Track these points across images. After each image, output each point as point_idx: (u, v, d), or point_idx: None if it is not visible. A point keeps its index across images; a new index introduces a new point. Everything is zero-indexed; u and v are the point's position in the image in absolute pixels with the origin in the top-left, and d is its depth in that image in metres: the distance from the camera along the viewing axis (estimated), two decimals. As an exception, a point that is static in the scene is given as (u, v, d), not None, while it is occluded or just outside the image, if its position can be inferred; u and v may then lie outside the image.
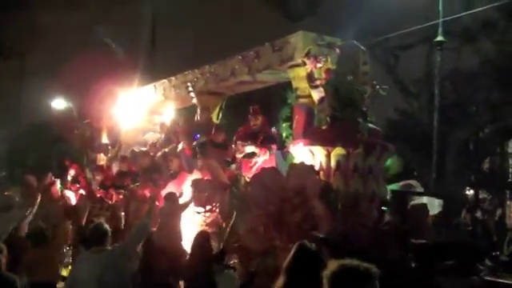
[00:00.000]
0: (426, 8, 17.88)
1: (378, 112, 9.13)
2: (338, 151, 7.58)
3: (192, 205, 8.34)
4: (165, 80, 12.00)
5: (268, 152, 8.95)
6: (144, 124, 12.69)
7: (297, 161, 7.89)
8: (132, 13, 23.99)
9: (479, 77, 21.00)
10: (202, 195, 8.31)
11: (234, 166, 9.16)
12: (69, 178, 11.74)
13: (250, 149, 8.77)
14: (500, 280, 6.68)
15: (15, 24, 25.66)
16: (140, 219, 7.65)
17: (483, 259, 7.58)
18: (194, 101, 10.92)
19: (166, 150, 10.42)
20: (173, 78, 11.73)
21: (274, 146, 9.10)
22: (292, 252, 4.46)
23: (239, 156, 8.90)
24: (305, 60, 8.25)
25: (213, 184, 8.33)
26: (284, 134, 8.94)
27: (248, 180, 8.29)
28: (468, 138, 21.96)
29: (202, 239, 6.67)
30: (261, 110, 9.30)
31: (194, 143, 9.80)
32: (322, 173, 7.57)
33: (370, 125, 8.06)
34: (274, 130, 9.73)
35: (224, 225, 8.04)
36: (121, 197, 9.82)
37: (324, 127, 7.90)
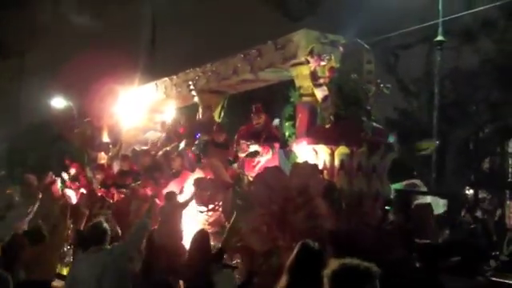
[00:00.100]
0: (426, 8, 17.91)
1: (377, 111, 9.07)
2: (342, 150, 7.53)
3: (194, 204, 8.28)
4: (166, 78, 11.93)
5: (271, 151, 8.89)
6: (145, 123, 12.61)
7: (300, 160, 7.83)
8: (132, 11, 23.94)
9: (479, 76, 21.06)
10: (204, 194, 8.25)
11: (235, 165, 9.10)
12: (66, 177, 11.68)
13: (253, 148, 8.70)
14: (506, 281, 6.62)
15: (14, 23, 25.62)
16: (141, 218, 7.69)
17: (488, 259, 7.54)
18: (196, 99, 10.86)
19: (168, 148, 10.36)
20: (174, 77, 11.66)
21: (277, 145, 9.04)
22: (295, 251, 4.43)
23: (242, 155, 8.84)
24: (308, 58, 8.21)
25: (215, 183, 8.28)
26: (287, 133, 8.86)
27: (251, 179, 8.24)
28: (468, 138, 21.99)
29: (200, 238, 6.58)
30: (263, 109, 9.23)
31: (196, 142, 9.74)
32: (325, 172, 7.52)
33: (374, 124, 8.01)
34: (276, 121, 9.64)
35: (227, 224, 7.98)
36: (122, 196, 9.76)
37: (328, 126, 7.84)
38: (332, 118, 7.78)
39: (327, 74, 8.08)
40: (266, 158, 8.80)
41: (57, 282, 9.33)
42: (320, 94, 8.13)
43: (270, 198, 7.06)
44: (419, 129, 20.50)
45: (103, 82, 13.07)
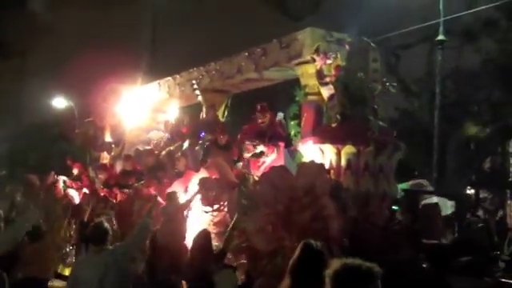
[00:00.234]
0: (427, 7, 17.86)
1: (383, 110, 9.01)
2: (349, 149, 7.47)
3: (200, 204, 8.21)
4: (169, 78, 11.86)
5: (275, 150, 8.82)
6: (148, 122, 12.54)
7: (306, 159, 7.77)
8: (134, 10, 23.88)
9: (480, 76, 20.99)
10: (209, 194, 8.18)
11: (240, 165, 9.02)
12: (66, 178, 11.62)
13: (259, 148, 8.64)
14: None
15: (15, 23, 25.54)
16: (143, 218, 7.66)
17: (496, 260, 7.48)
18: (199, 99, 10.78)
19: (171, 148, 10.29)
20: (177, 76, 11.58)
21: (282, 144, 8.97)
22: (297, 252, 4.40)
23: (247, 155, 8.77)
24: (314, 56, 8.14)
25: (221, 183, 8.20)
26: (292, 132, 8.80)
27: (256, 179, 8.17)
28: (469, 137, 21.94)
29: (202, 238, 6.54)
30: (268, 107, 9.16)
31: (200, 142, 9.68)
32: (332, 171, 7.46)
33: (381, 123, 7.95)
34: (280, 115, 9.57)
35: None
36: (125, 196, 9.69)
37: (334, 125, 7.78)
38: (338, 116, 7.72)
39: (333, 72, 8.01)
40: (271, 158, 8.72)
41: (58, 283, 9.31)
42: (326, 92, 8.06)
43: (276, 198, 6.98)
44: (420, 129, 20.46)
45: (106, 82, 12.99)
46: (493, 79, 20.66)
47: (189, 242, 7.35)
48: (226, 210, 8.14)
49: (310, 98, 8.57)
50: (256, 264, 6.85)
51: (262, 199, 7.08)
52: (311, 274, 4.11)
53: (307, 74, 8.54)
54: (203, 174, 8.55)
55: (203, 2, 23.64)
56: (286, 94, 14.89)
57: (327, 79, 8.06)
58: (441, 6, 15.42)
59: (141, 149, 11.28)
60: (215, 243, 7.21)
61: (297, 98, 8.71)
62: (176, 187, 8.77)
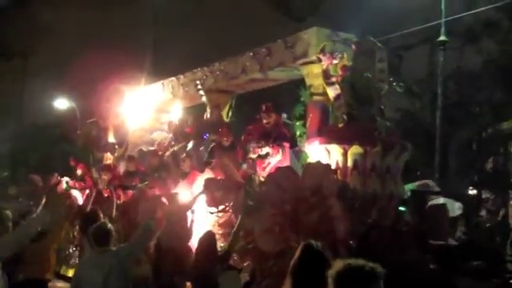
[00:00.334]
0: (428, 8, 17.85)
1: (389, 110, 8.96)
2: (355, 150, 7.42)
3: (205, 205, 8.16)
4: (173, 78, 11.79)
5: (280, 151, 8.75)
6: (151, 123, 12.48)
7: (312, 160, 7.71)
8: (137, 10, 23.83)
9: (482, 77, 20.98)
10: (214, 195, 8.12)
11: (245, 166, 8.96)
12: (68, 179, 11.57)
13: (264, 150, 8.59)
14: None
15: (17, 24, 25.49)
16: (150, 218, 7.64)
17: (504, 262, 7.44)
18: (204, 99, 10.72)
19: (175, 148, 10.23)
20: (181, 76, 11.51)
21: (287, 144, 8.90)
22: (298, 252, 4.35)
23: (253, 156, 8.70)
24: (320, 56, 8.08)
25: (226, 183, 8.14)
26: (297, 133, 8.75)
27: (262, 179, 8.12)
28: (471, 138, 21.92)
29: (207, 240, 6.51)
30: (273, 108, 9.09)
31: (204, 143, 9.62)
32: (338, 172, 7.41)
33: (387, 123, 7.91)
34: (284, 116, 9.52)
35: (237, 225, 7.86)
36: (129, 196, 9.64)
37: (340, 125, 7.74)
38: (345, 117, 7.68)
39: (340, 72, 7.95)
40: (276, 159, 8.66)
41: (61, 284, 9.27)
42: (332, 92, 8.00)
43: (283, 199, 6.94)
44: (422, 129, 20.43)
45: (108, 82, 12.92)
46: (494, 80, 20.64)
47: (194, 243, 7.34)
48: (231, 210, 8.07)
49: (316, 98, 8.48)
50: (262, 265, 6.80)
51: (268, 200, 7.03)
52: (312, 275, 4.07)
53: (312, 73, 8.47)
54: (208, 174, 8.50)
55: (204, 2, 23.61)
56: (290, 93, 14.80)
57: (333, 79, 8.00)
58: (442, 7, 15.40)
59: (144, 149, 11.24)
60: (220, 244, 7.18)
61: (302, 99, 8.63)
62: (181, 188, 8.72)
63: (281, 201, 6.89)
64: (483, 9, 17.96)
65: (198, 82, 10.69)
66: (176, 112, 11.43)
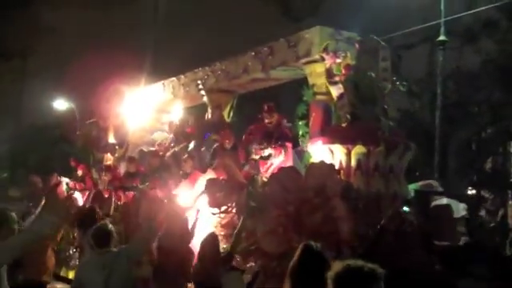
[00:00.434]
0: (428, 8, 17.83)
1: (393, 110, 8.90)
2: (359, 150, 7.36)
3: (207, 205, 8.09)
4: (174, 78, 11.72)
5: (283, 151, 8.69)
6: (152, 123, 12.41)
7: (315, 160, 7.66)
8: (137, 10, 23.77)
9: (481, 76, 20.97)
10: (216, 196, 8.05)
11: (247, 167, 8.90)
12: (68, 180, 11.50)
13: (267, 151, 8.53)
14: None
15: (17, 25, 25.40)
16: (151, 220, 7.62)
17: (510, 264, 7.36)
18: (205, 99, 10.66)
19: (176, 149, 10.17)
20: (182, 76, 11.45)
21: (289, 144, 8.84)
22: (297, 254, 4.38)
23: (255, 157, 8.63)
24: (323, 55, 8.02)
25: (229, 184, 8.07)
26: (300, 132, 8.70)
27: (265, 180, 8.06)
28: (470, 138, 21.91)
29: (209, 242, 6.48)
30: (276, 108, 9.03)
31: (206, 143, 9.55)
32: (341, 172, 7.34)
33: (391, 123, 7.85)
34: (285, 123, 9.48)
35: (239, 226, 7.80)
36: (130, 197, 9.57)
37: (344, 125, 7.67)
38: (348, 116, 7.61)
39: (343, 71, 7.89)
40: (279, 160, 8.60)
41: (60, 285, 9.20)
42: (335, 91, 7.94)
43: (286, 199, 6.88)
44: (421, 129, 20.40)
45: (109, 83, 12.85)
46: (493, 80, 20.62)
47: (195, 244, 7.28)
48: (234, 211, 8.00)
49: (319, 97, 8.42)
50: (265, 266, 6.75)
51: (271, 201, 6.98)
52: (312, 276, 4.06)
53: (315, 73, 8.41)
54: (210, 175, 8.42)
55: (204, 1, 23.59)
56: (291, 92, 14.70)
57: (336, 78, 7.94)
58: (442, 7, 15.38)
59: (145, 150, 11.18)
60: (223, 245, 7.13)
61: (305, 98, 8.57)
62: (182, 188, 8.66)
63: (284, 202, 6.83)
64: (482, 8, 17.94)
65: (199, 82, 10.62)
66: (177, 112, 11.37)
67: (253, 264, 7.26)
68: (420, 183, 8.82)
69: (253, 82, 10.19)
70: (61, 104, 24.51)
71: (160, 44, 21.94)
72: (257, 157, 8.61)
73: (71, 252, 10.22)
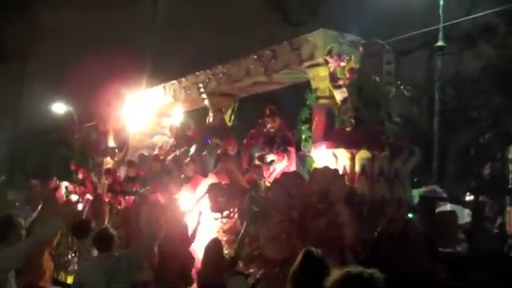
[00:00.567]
0: (427, 13, 17.82)
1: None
2: (363, 154, 7.29)
3: (209, 210, 8.00)
4: (175, 81, 11.62)
5: (286, 156, 8.59)
6: (152, 127, 12.32)
7: (318, 164, 7.57)
8: (137, 12, 23.70)
9: (480, 82, 20.97)
10: (218, 200, 7.96)
11: (250, 173, 8.80)
12: (67, 184, 11.41)
13: (269, 158, 8.44)
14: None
15: (16, 27, 25.31)
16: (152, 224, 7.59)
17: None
18: (206, 102, 10.57)
19: (177, 153, 10.07)
20: (183, 79, 11.35)
21: (292, 149, 8.74)
22: (298, 259, 4.38)
23: (258, 163, 8.54)
24: (327, 58, 7.94)
25: (231, 188, 7.98)
26: (303, 137, 8.62)
27: (268, 185, 7.97)
28: (469, 143, 21.89)
29: (213, 247, 6.43)
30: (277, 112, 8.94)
31: (207, 147, 9.46)
32: (346, 177, 7.25)
33: (395, 127, 7.78)
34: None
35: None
36: (130, 202, 9.48)
37: (348, 129, 7.59)
38: (353, 120, 7.54)
39: (347, 75, 7.81)
40: (282, 166, 8.50)
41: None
42: (339, 95, 7.87)
43: (290, 205, 6.80)
44: (420, 135, 20.36)
45: (109, 86, 12.74)
46: (492, 85, 20.62)
47: (198, 248, 7.21)
48: (236, 216, 7.91)
49: (322, 101, 8.35)
50: (267, 272, 6.67)
51: (274, 206, 6.90)
52: (312, 282, 4.06)
53: (319, 76, 8.34)
54: (212, 179, 8.33)
55: (205, 4, 23.54)
56: (292, 96, 14.60)
57: (341, 82, 7.86)
58: (440, 12, 15.37)
59: (145, 154, 11.09)
60: (225, 251, 7.05)
61: (308, 102, 8.50)
62: (184, 193, 8.57)
63: (288, 207, 6.75)
64: (481, 14, 17.94)
65: (200, 85, 10.54)
66: (177, 116, 11.27)
67: (255, 270, 7.19)
68: (423, 189, 8.76)
69: (255, 86, 10.11)
70: (59, 107, 24.41)
71: (161, 46, 21.86)
72: (260, 163, 8.52)
73: (70, 257, 10.12)
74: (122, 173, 11.17)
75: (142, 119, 12.19)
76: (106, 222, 9.00)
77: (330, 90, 8.18)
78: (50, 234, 4.54)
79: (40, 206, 9.77)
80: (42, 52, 26.10)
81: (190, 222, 7.76)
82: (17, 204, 10.81)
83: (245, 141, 9.41)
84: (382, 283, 3.01)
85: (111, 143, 12.32)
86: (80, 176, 11.40)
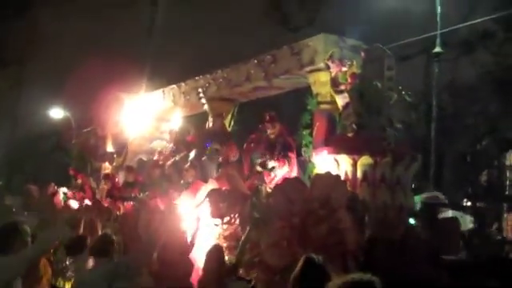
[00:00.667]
0: (424, 19, 17.85)
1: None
2: (365, 160, 7.24)
3: (209, 216, 7.92)
4: (174, 86, 11.56)
5: (287, 163, 8.51)
6: (151, 131, 12.25)
7: (320, 170, 7.51)
8: (136, 17, 23.66)
9: (477, 88, 21.00)
10: (219, 206, 7.88)
11: (251, 179, 8.74)
12: (65, 190, 11.32)
13: (270, 164, 8.37)
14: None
15: (14, 32, 25.24)
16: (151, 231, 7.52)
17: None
18: (206, 107, 10.50)
19: (177, 158, 10.00)
20: (182, 84, 11.30)
21: (292, 155, 8.67)
22: (299, 265, 4.38)
23: (259, 169, 8.47)
24: (329, 63, 7.89)
25: (232, 194, 7.90)
26: (304, 142, 8.57)
27: (269, 191, 7.90)
28: (465, 150, 21.90)
29: (215, 253, 6.38)
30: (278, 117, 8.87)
31: (207, 152, 9.39)
32: (347, 183, 7.19)
33: (396, 133, 7.73)
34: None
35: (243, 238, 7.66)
36: (129, 207, 9.40)
37: (350, 134, 7.54)
38: (354, 126, 7.48)
39: (349, 80, 7.76)
40: (283, 172, 8.43)
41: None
42: (341, 101, 7.81)
43: (291, 211, 6.74)
44: (417, 141, 20.36)
45: (108, 90, 12.68)
46: (489, 91, 20.66)
47: (197, 254, 7.13)
48: (237, 222, 7.84)
49: (323, 106, 8.31)
50: (268, 279, 6.61)
51: (275, 212, 6.83)
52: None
53: (320, 81, 8.30)
54: (212, 185, 8.25)
55: (204, 8, 23.53)
56: (292, 100, 14.58)
57: (342, 87, 7.81)
58: (438, 19, 15.39)
59: (144, 159, 11.03)
60: (225, 257, 6.98)
61: (308, 107, 8.46)
62: (184, 198, 8.49)
63: (289, 213, 6.69)
64: (478, 21, 17.99)
65: (200, 90, 10.48)
66: (176, 121, 11.20)
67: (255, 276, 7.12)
68: (425, 195, 8.72)
69: (255, 91, 10.05)
70: (57, 112, 24.32)
71: (160, 51, 21.81)
72: (260, 169, 8.45)
73: (67, 263, 10.01)
74: (120, 178, 11.11)
75: (141, 124, 12.14)
76: (105, 228, 8.90)
77: (331, 95, 8.13)
78: (54, 240, 4.53)
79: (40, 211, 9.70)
80: (41, 56, 26.05)
81: (190, 228, 7.68)
82: (13, 209, 10.71)
83: (245, 146, 9.33)
84: None
85: (110, 148, 12.26)
86: (79, 181, 11.31)
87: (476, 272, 6.54)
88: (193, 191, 8.50)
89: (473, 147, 21.86)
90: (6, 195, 11.87)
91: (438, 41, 15.24)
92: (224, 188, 8.04)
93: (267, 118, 8.89)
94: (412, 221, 7.57)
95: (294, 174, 8.32)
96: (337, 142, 7.59)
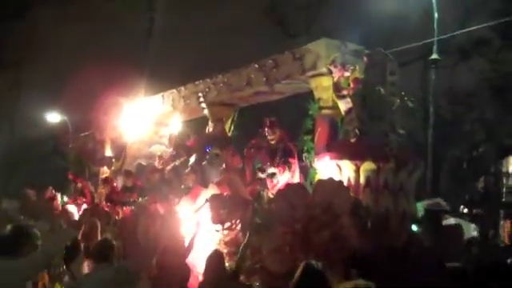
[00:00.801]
0: (421, 26, 17.90)
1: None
2: (368, 166, 7.19)
3: (210, 222, 7.85)
4: (174, 90, 11.48)
5: (287, 169, 8.44)
6: (150, 136, 12.16)
7: (322, 176, 7.45)
8: (136, 20, 23.62)
9: (474, 95, 21.04)
10: (220, 212, 7.81)
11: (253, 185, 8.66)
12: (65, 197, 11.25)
13: (270, 170, 8.30)
14: None
15: (12, 35, 25.18)
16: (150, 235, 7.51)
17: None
18: (205, 112, 10.42)
19: (177, 163, 9.92)
20: (182, 88, 11.21)
21: (293, 160, 8.59)
22: (298, 272, 4.40)
23: (261, 176, 8.39)
24: (331, 68, 7.83)
25: (233, 200, 7.83)
26: (305, 148, 8.50)
27: (271, 196, 7.83)
28: (462, 157, 21.88)
29: (215, 259, 6.31)
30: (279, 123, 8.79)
31: (207, 157, 9.32)
32: (350, 189, 7.14)
33: (399, 139, 7.68)
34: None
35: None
36: (127, 212, 9.32)
37: (352, 140, 7.48)
38: (357, 131, 7.42)
39: (351, 85, 7.71)
40: (285, 178, 8.36)
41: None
42: (343, 106, 7.74)
43: (294, 217, 6.69)
44: (414, 147, 20.33)
45: (107, 94, 12.61)
46: (486, 98, 20.70)
47: (197, 260, 7.05)
48: (238, 228, 7.77)
49: (324, 111, 8.22)
50: (269, 285, 6.54)
51: (277, 218, 6.79)
52: None
53: (322, 86, 8.23)
54: (213, 190, 8.18)
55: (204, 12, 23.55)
56: (292, 105, 14.51)
57: (344, 92, 7.75)
58: (435, 26, 15.42)
59: (143, 163, 10.95)
60: (226, 263, 6.92)
61: (310, 112, 8.40)
62: (184, 203, 8.42)
63: (291, 219, 6.65)
64: (475, 28, 18.04)
65: (200, 95, 10.40)
66: (175, 125, 11.12)
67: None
68: (427, 202, 8.65)
69: (255, 96, 9.95)
70: (54, 116, 24.24)
71: (160, 55, 21.77)
72: (263, 175, 8.37)
73: (64, 267, 9.92)
74: (119, 183, 11.02)
75: (140, 128, 12.06)
76: (104, 232, 8.82)
77: (333, 100, 8.05)
78: (64, 243, 4.52)
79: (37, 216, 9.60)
80: (39, 59, 25.95)
81: (189, 233, 7.62)
82: (8, 214, 10.60)
83: (245, 151, 9.26)
84: None
85: (108, 152, 12.18)
86: (79, 185, 11.23)
87: (480, 280, 6.47)
88: (193, 196, 8.44)
89: (470, 154, 21.85)
90: (3, 199, 11.79)
91: (434, 48, 15.25)
92: (225, 193, 7.98)
93: (267, 123, 8.81)
94: (415, 227, 7.51)
95: (296, 179, 8.24)
96: (339, 148, 7.53)
